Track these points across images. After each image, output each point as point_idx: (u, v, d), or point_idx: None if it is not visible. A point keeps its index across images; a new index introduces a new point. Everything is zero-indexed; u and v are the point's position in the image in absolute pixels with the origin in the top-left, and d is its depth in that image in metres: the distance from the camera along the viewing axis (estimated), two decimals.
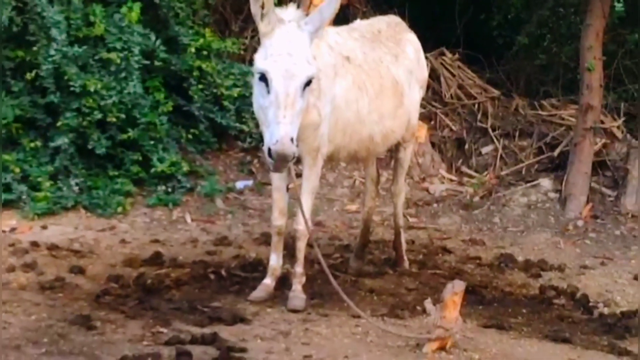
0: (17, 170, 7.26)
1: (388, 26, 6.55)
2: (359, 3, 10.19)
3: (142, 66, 7.76)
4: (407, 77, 6.36)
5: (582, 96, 8.94)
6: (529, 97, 10.76)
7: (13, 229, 6.86)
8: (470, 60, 10.97)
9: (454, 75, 10.48)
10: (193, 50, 8.17)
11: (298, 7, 5.54)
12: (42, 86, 7.50)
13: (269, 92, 5.02)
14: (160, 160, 7.79)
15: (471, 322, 5.57)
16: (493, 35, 11.79)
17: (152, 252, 6.56)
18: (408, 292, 6.18)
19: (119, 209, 7.42)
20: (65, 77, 7.43)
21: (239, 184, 8.36)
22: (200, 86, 8.21)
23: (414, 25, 7.03)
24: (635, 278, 7.00)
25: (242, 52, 8.96)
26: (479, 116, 10.11)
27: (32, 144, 7.46)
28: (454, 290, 4.93)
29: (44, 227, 6.97)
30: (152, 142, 7.81)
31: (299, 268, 5.72)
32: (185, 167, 7.93)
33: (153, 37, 7.87)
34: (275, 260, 5.82)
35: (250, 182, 8.40)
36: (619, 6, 8.58)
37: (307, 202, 5.65)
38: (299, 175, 5.80)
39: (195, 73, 8.18)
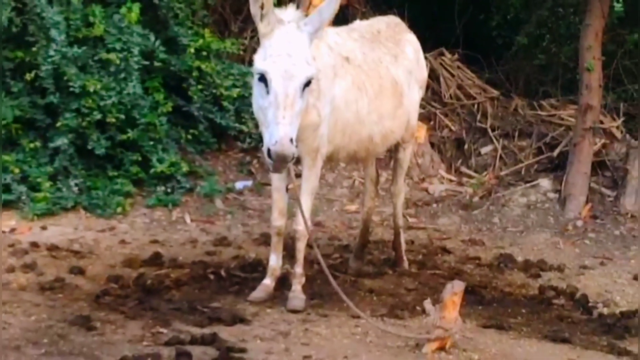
0: (17, 170, 7.26)
1: (387, 26, 6.56)
2: (358, 3, 10.19)
3: (142, 67, 7.76)
4: (407, 77, 6.36)
5: (581, 96, 8.94)
6: (528, 97, 10.77)
7: (13, 230, 6.87)
8: (470, 60, 10.98)
9: (453, 76, 10.49)
10: (192, 50, 8.17)
11: (297, 7, 5.53)
12: (41, 87, 7.50)
13: (268, 92, 5.03)
14: (160, 160, 7.79)
15: (471, 322, 5.57)
16: (492, 35, 11.80)
17: (151, 253, 6.56)
18: (407, 292, 6.18)
19: (119, 210, 7.42)
20: (65, 78, 7.43)
21: (239, 185, 8.36)
22: (200, 87, 8.21)
23: (413, 26, 7.03)
24: (635, 278, 7.00)
25: (241, 53, 8.97)
26: (479, 116, 10.11)
27: (31, 145, 7.46)
28: (454, 291, 4.94)
29: (44, 228, 6.97)
30: (151, 143, 7.81)
31: (298, 268, 5.73)
32: (185, 168, 7.93)
33: (152, 38, 7.87)
34: (274, 261, 5.82)
35: (249, 183, 8.40)
36: (618, 6, 8.62)
37: (306, 202, 5.65)
38: (298, 175, 5.80)
39: (195, 73, 8.18)
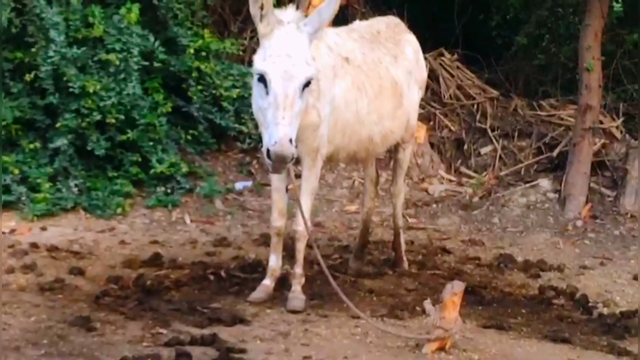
0: (17, 171, 7.26)
1: (387, 27, 6.56)
2: (357, 4, 10.19)
3: (141, 67, 7.76)
4: (406, 77, 6.36)
5: (581, 96, 8.94)
6: (527, 97, 10.77)
7: (12, 231, 6.86)
8: (469, 60, 10.98)
9: (452, 76, 10.49)
10: (192, 51, 8.17)
11: (297, 8, 5.53)
12: (41, 87, 7.50)
13: (267, 93, 5.03)
14: (160, 161, 7.79)
15: (470, 322, 5.57)
16: (492, 35, 11.80)
17: (151, 253, 6.56)
18: (407, 292, 6.18)
19: (119, 210, 7.42)
20: (65, 78, 7.43)
21: (238, 185, 8.36)
22: (199, 87, 8.21)
23: (412, 26, 7.04)
24: (635, 278, 7.00)
25: (241, 53, 8.96)
26: (478, 116, 10.11)
27: (31, 145, 7.45)
28: (454, 291, 4.94)
29: (44, 229, 6.97)
30: (151, 143, 7.81)
31: (298, 269, 5.73)
32: (185, 168, 7.93)
33: (152, 38, 7.87)
34: (274, 261, 5.82)
35: (249, 183, 8.40)
36: (617, 6, 8.61)
37: (306, 203, 5.65)
38: (298, 176, 5.79)
39: (194, 74, 8.18)
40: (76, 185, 7.43)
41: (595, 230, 8.28)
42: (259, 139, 5.88)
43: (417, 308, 5.63)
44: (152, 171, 7.78)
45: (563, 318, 5.97)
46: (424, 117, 9.63)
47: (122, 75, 7.65)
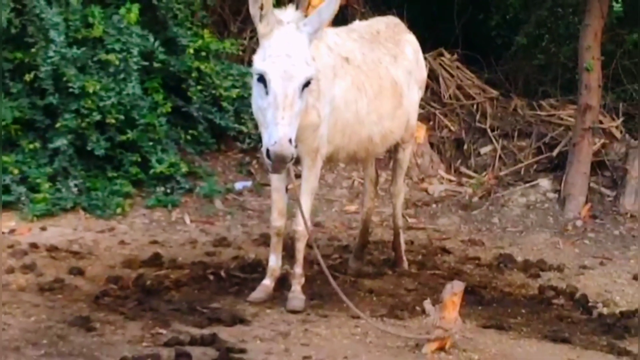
0: (16, 171, 7.26)
1: (387, 27, 6.56)
2: (357, 4, 10.19)
3: (141, 67, 7.76)
4: (406, 77, 6.36)
5: (580, 96, 8.94)
6: (527, 97, 10.77)
7: (12, 231, 6.86)
8: (469, 60, 10.98)
9: (452, 76, 10.48)
10: (192, 51, 8.16)
11: (297, 8, 5.53)
12: (40, 87, 7.50)
13: (267, 93, 5.02)
14: (159, 161, 7.79)
15: (470, 322, 5.57)
16: (491, 35, 11.80)
17: (151, 253, 6.56)
18: (407, 292, 6.18)
19: (118, 210, 7.42)
20: (64, 79, 7.43)
21: (238, 185, 8.36)
22: (199, 87, 8.21)
23: (412, 26, 7.04)
24: (635, 278, 7.00)
25: (240, 53, 8.96)
26: (478, 116, 10.11)
27: (31, 146, 7.45)
28: (453, 291, 4.94)
29: (43, 229, 6.96)
30: (151, 143, 7.80)
31: (298, 269, 5.73)
32: (184, 168, 7.93)
33: (152, 38, 7.87)
34: (274, 261, 5.82)
35: (249, 183, 8.40)
36: (617, 6, 8.61)
37: (306, 203, 5.65)
38: (298, 176, 5.80)
39: (194, 74, 8.18)
40: (76, 186, 7.43)
41: (595, 230, 8.28)
42: (259, 139, 5.88)
43: (417, 308, 5.63)
44: (151, 171, 7.78)
45: (563, 318, 5.97)
46: (424, 117, 9.63)
47: (122, 76, 7.65)
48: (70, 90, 7.43)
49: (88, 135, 7.57)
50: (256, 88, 5.15)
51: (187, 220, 7.58)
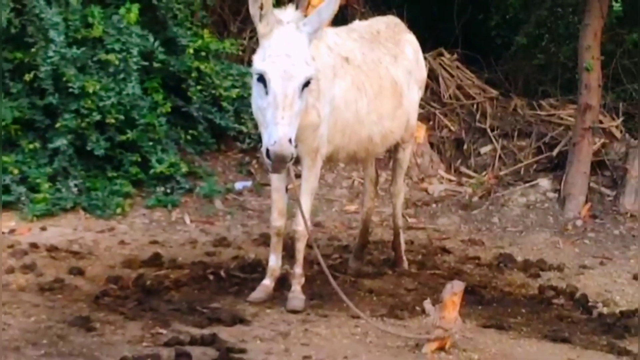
0: (16, 171, 7.26)
1: (387, 27, 6.56)
2: (357, 4, 10.19)
3: (141, 67, 7.76)
4: (406, 77, 6.36)
5: (580, 96, 8.94)
6: (527, 97, 10.77)
7: (12, 231, 6.86)
8: (469, 60, 10.98)
9: (452, 76, 10.49)
10: (191, 51, 8.16)
11: (297, 8, 5.53)
12: (40, 87, 7.50)
13: (267, 93, 5.02)
14: (159, 161, 7.79)
15: (470, 322, 5.57)
16: (491, 35, 11.80)
17: (151, 253, 6.56)
18: (407, 292, 6.18)
19: (118, 210, 7.42)
20: (64, 79, 7.43)
21: (238, 185, 8.36)
22: (199, 87, 8.21)
23: (412, 26, 7.04)
24: (635, 278, 7.00)
25: (240, 53, 8.96)
26: (478, 116, 10.11)
27: (31, 146, 7.45)
28: (453, 291, 4.94)
29: (43, 229, 6.96)
30: (150, 143, 7.80)
31: (298, 269, 5.73)
32: (184, 168, 7.93)
33: (151, 39, 7.87)
34: (274, 261, 5.82)
35: (249, 183, 8.40)
36: (617, 6, 8.61)
37: (306, 202, 5.65)
38: (298, 176, 5.80)
39: (194, 74, 8.18)
40: (76, 186, 7.43)
41: (595, 229, 8.28)
42: (259, 139, 5.88)
43: (417, 308, 5.63)
44: (151, 171, 7.78)
45: (563, 318, 5.97)
46: (424, 117, 9.63)
47: (122, 76, 7.65)
48: (70, 90, 7.43)
49: (88, 135, 7.57)
50: (256, 88, 5.15)
51: (187, 220, 7.58)
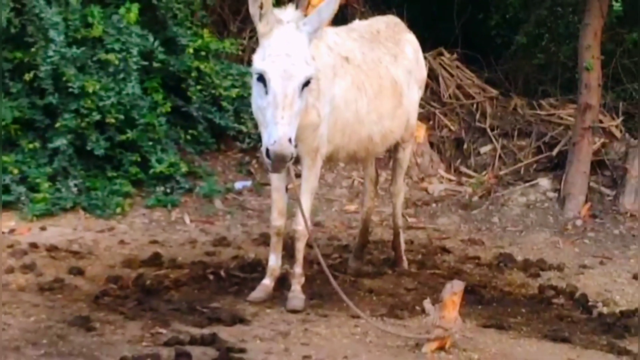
0: (16, 171, 7.26)
1: (387, 26, 6.56)
2: (357, 3, 10.19)
3: (141, 67, 7.75)
4: (406, 77, 6.36)
5: (580, 95, 8.93)
6: (527, 96, 10.76)
7: (12, 230, 6.86)
8: (469, 60, 10.98)
9: (452, 75, 10.48)
10: (191, 51, 8.16)
11: (296, 7, 5.53)
12: (40, 87, 7.50)
13: (267, 92, 5.02)
14: (159, 161, 7.78)
15: (470, 321, 5.57)
16: (491, 35, 11.79)
17: (151, 253, 6.56)
18: (407, 292, 6.18)
19: (118, 210, 7.42)
20: (64, 78, 7.43)
21: (238, 185, 8.36)
22: (199, 87, 8.21)
23: (412, 26, 7.03)
24: (635, 277, 7.00)
25: (240, 53, 8.96)
26: (478, 116, 10.11)
27: (30, 145, 7.45)
28: (453, 290, 4.94)
29: (43, 229, 6.96)
30: (150, 143, 7.80)
31: (298, 268, 5.72)
32: (184, 168, 7.93)
33: (151, 38, 7.86)
34: (274, 261, 5.82)
35: (249, 183, 8.40)
36: (617, 5, 8.59)
37: (306, 202, 5.65)
38: (298, 175, 5.80)
39: (194, 74, 8.18)
40: (75, 185, 7.43)
41: (595, 229, 8.28)
42: (259, 139, 5.88)
43: (417, 307, 5.63)
44: (151, 171, 7.78)
45: (563, 317, 5.97)
46: (424, 117, 9.63)
47: (122, 75, 7.65)
48: (70, 90, 7.43)
49: (88, 135, 7.56)
50: (256, 87, 5.15)
51: (187, 220, 7.58)
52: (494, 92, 10.57)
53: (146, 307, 5.41)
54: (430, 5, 11.69)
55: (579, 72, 9.07)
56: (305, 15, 5.42)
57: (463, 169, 9.63)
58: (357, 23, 6.61)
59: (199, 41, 8.29)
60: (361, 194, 7.34)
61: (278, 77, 5.00)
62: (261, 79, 5.05)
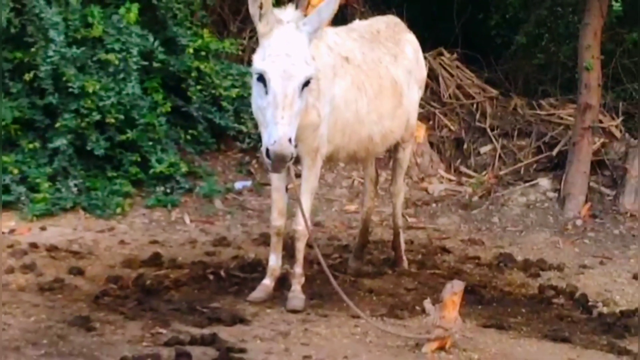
0: (16, 171, 7.26)
1: (387, 26, 6.56)
2: (357, 3, 10.19)
3: (141, 67, 7.75)
4: (406, 77, 6.36)
5: (580, 95, 8.93)
6: (527, 96, 10.76)
7: (12, 231, 6.86)
8: (469, 60, 10.98)
9: (452, 75, 10.48)
10: (191, 51, 8.16)
11: (296, 7, 5.53)
12: (40, 87, 7.50)
13: (267, 92, 5.03)
14: (159, 161, 7.78)
15: (470, 321, 5.57)
16: (491, 34, 11.79)
17: (151, 253, 6.56)
18: (407, 292, 6.18)
19: (118, 210, 7.42)
20: (64, 78, 7.42)
21: (238, 185, 8.36)
22: (199, 87, 8.21)
23: (412, 25, 7.03)
24: (635, 277, 7.00)
25: (240, 53, 8.96)
26: (478, 116, 10.11)
27: (30, 145, 7.45)
28: (453, 290, 4.94)
29: (43, 229, 6.96)
30: (150, 143, 7.80)
31: (298, 268, 5.72)
32: (184, 168, 7.93)
33: (151, 38, 7.86)
34: (274, 261, 5.82)
35: (249, 183, 8.40)
36: (617, 5, 8.58)
37: (306, 202, 5.65)
38: (298, 175, 5.79)
39: (194, 74, 8.18)
40: (75, 185, 7.43)
41: (595, 229, 8.28)
42: (259, 139, 5.88)
43: (417, 307, 5.63)
44: (151, 171, 7.78)
45: (563, 317, 5.97)
46: (424, 117, 9.63)
47: (122, 75, 7.65)
48: (70, 90, 7.43)
49: (88, 135, 7.56)
50: (256, 87, 5.15)
51: (187, 220, 7.58)
52: (494, 92, 10.57)
53: (146, 307, 5.41)
54: (430, 5, 11.69)
55: (579, 72, 9.07)
56: (305, 15, 5.42)
57: (463, 169, 9.63)
58: (357, 23, 6.61)
59: (199, 41, 8.29)
60: (361, 194, 7.33)
61: (278, 77, 5.00)
62: (261, 79, 5.06)
